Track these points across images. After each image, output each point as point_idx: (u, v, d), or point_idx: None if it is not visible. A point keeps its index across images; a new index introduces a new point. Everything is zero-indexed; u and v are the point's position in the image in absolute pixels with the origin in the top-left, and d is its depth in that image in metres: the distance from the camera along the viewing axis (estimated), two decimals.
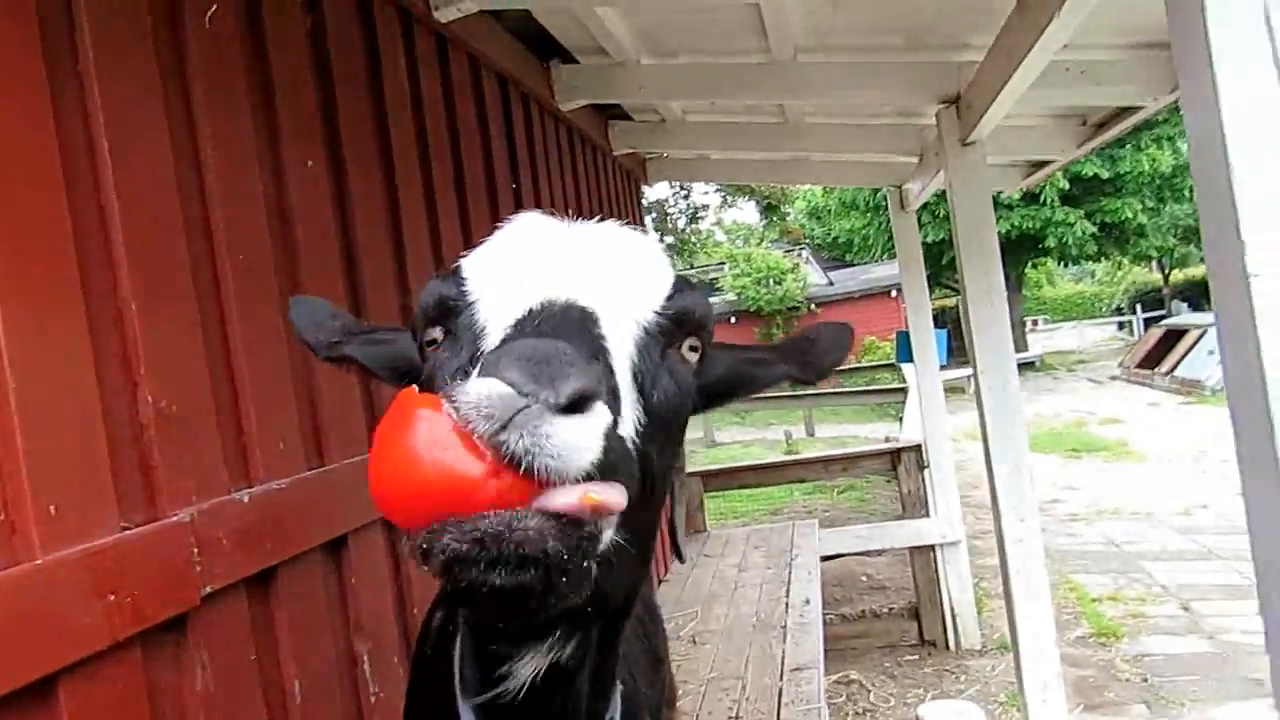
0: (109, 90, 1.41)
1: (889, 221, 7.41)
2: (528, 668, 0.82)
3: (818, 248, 29.91)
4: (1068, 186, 21.95)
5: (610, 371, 0.73)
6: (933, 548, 5.82)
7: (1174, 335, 18.94)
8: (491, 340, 0.78)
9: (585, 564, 0.66)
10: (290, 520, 1.70)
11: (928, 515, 5.97)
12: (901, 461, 5.96)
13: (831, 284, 28.33)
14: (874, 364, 18.15)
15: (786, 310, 25.60)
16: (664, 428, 0.85)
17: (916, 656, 5.84)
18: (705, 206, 24.82)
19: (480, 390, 0.61)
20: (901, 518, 6.22)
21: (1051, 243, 23.06)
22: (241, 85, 1.77)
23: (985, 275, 3.52)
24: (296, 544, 1.72)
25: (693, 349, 0.90)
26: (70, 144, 1.35)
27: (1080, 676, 5.21)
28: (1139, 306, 32.14)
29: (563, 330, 0.72)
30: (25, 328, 1.22)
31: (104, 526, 1.30)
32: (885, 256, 24.98)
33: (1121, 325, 34.69)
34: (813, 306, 26.02)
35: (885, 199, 22.15)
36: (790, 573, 4.79)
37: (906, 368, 11.37)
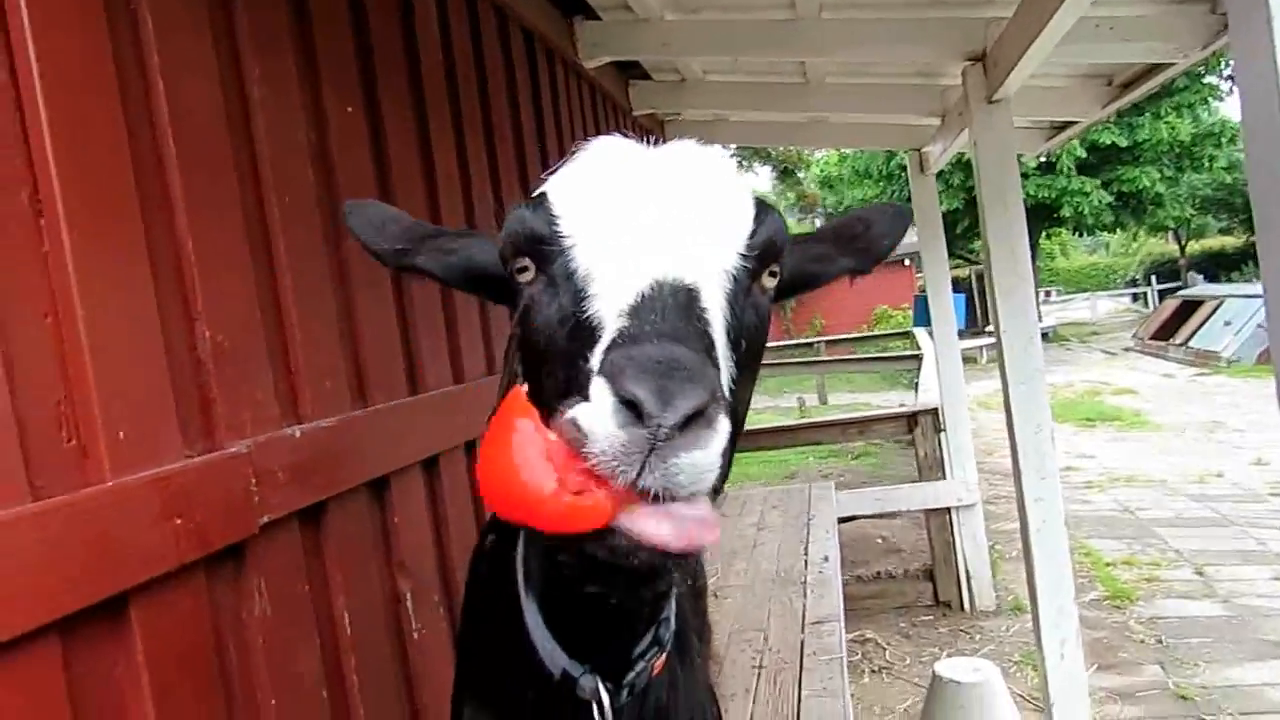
0: (162, 27, 1.43)
1: (902, 190, 7.39)
2: None
3: (830, 217, 29.74)
4: (1085, 155, 21.71)
5: (713, 349, 0.76)
6: (948, 510, 5.86)
7: (1189, 306, 18.82)
8: (605, 322, 0.78)
9: (689, 564, 0.73)
10: (337, 458, 1.74)
11: (944, 478, 6.01)
12: (918, 425, 5.98)
13: None
14: (887, 333, 18.12)
15: None
16: (751, 366, 0.90)
17: (931, 617, 5.90)
18: None
19: (609, 446, 0.65)
20: (917, 481, 6.25)
21: (1067, 212, 22.82)
22: (285, 34, 1.79)
23: (1009, 234, 3.52)
24: (344, 481, 1.76)
25: (772, 275, 0.92)
26: (128, 83, 1.37)
27: (1094, 638, 5.26)
28: (1154, 278, 31.90)
29: (675, 323, 0.74)
30: (93, 263, 1.25)
31: (169, 454, 1.34)
32: None
33: (1136, 297, 34.46)
34: None
35: (899, 168, 21.91)
36: (808, 532, 4.84)
37: (921, 335, 11.38)
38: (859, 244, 1.06)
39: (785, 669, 3.14)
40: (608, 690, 0.97)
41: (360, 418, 1.87)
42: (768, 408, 14.85)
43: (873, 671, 5.19)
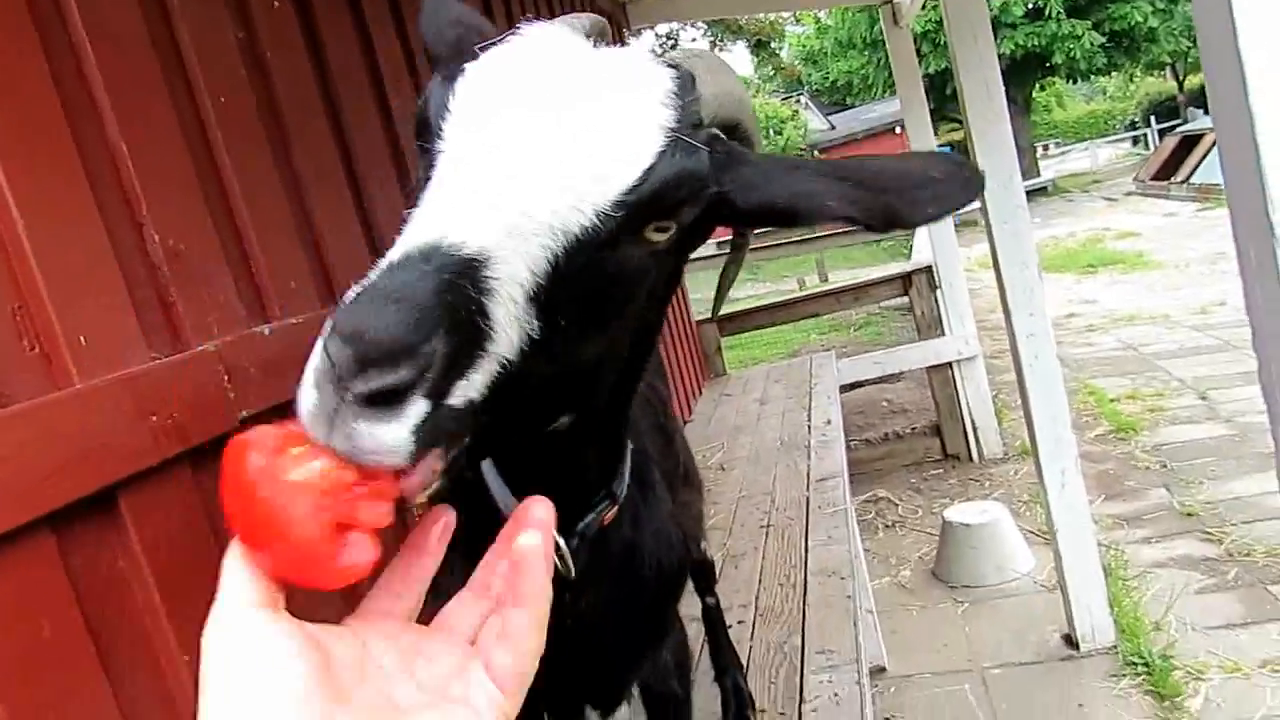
0: None
1: (889, 58, 7.16)
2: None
3: (817, 93, 29.04)
4: None
5: (469, 328, 0.68)
6: (950, 365, 5.92)
7: (1190, 141, 18.45)
8: (384, 259, 0.70)
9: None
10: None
11: (943, 335, 6.04)
12: (913, 284, 5.98)
13: (833, 128, 27.65)
14: None
15: None
16: (597, 320, 0.79)
17: (941, 470, 6.03)
18: None
19: (305, 407, 0.64)
20: (917, 341, 6.29)
21: (1059, 59, 22.21)
22: None
23: (980, 68, 3.44)
24: None
25: (660, 230, 0.78)
26: None
27: (1100, 470, 5.38)
28: (1153, 118, 31.19)
29: (420, 295, 0.65)
30: (24, 174, 1.25)
31: (135, 356, 1.36)
32: (887, 94, 24.26)
33: (1136, 140, 33.78)
34: (816, 153, 25.46)
35: (882, 33, 21.39)
36: (810, 400, 4.90)
37: None
38: (899, 197, 0.79)
39: (792, 525, 3.24)
40: (561, 535, 1.02)
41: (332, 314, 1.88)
42: (769, 292, 14.84)
43: (886, 527, 5.35)
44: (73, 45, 1.41)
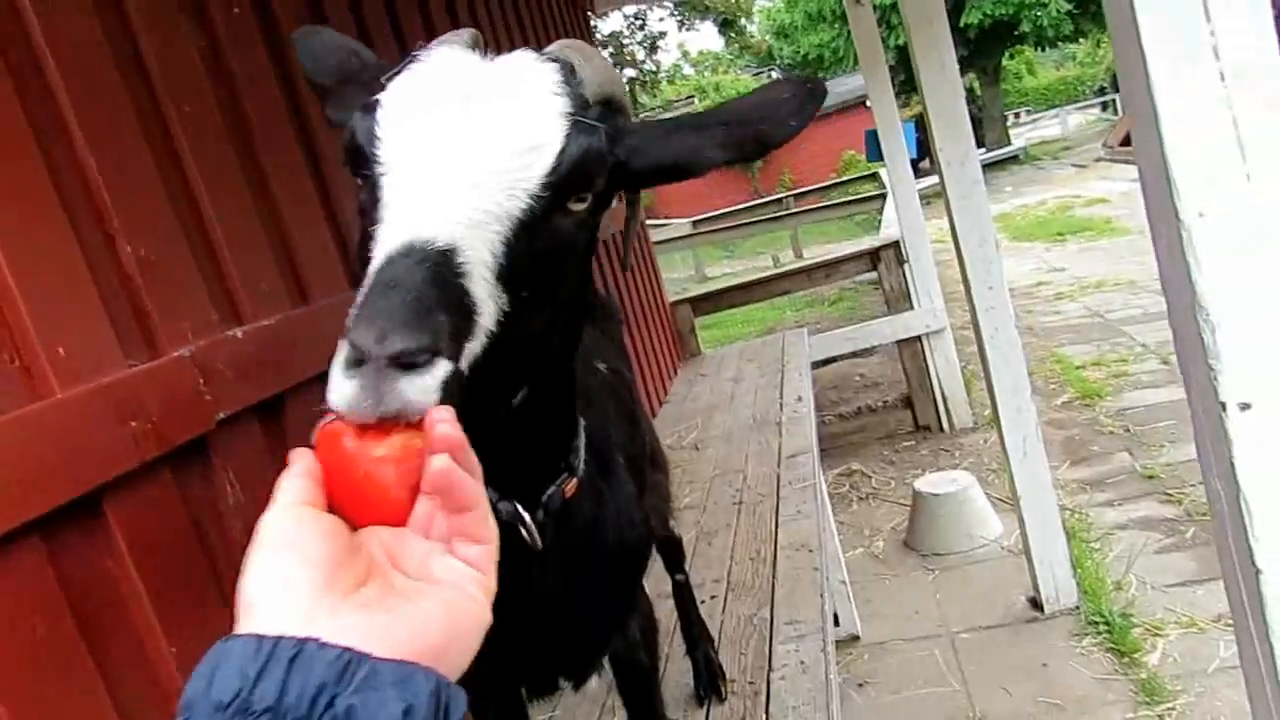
0: None
1: None
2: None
3: (789, 68, 28.98)
4: None
5: (460, 302, 0.78)
6: (919, 338, 6.02)
7: None
8: (371, 265, 0.80)
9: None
10: (286, 353, 1.82)
11: (912, 309, 6.14)
12: (881, 260, 6.07)
13: None
14: (854, 177, 17.97)
15: None
16: (555, 284, 0.92)
17: (912, 442, 6.16)
18: (663, 34, 23.98)
19: (343, 394, 0.70)
20: (888, 315, 6.39)
21: (1027, 27, 22.30)
22: None
23: (936, 47, 3.51)
24: (296, 374, 1.84)
25: (580, 200, 0.91)
26: None
27: (1066, 436, 5.52)
28: None
29: (413, 280, 0.75)
30: None
31: (112, 365, 1.42)
32: (858, 68, 24.31)
33: (1105, 106, 34.01)
34: None
35: None
36: (783, 377, 4.99)
37: (884, 173, 11.32)
38: (747, 129, 0.95)
39: (763, 501, 3.33)
40: (526, 510, 1.09)
41: (303, 315, 1.94)
42: (745, 269, 14.91)
43: (860, 499, 5.47)
44: (35, 59, 1.45)
